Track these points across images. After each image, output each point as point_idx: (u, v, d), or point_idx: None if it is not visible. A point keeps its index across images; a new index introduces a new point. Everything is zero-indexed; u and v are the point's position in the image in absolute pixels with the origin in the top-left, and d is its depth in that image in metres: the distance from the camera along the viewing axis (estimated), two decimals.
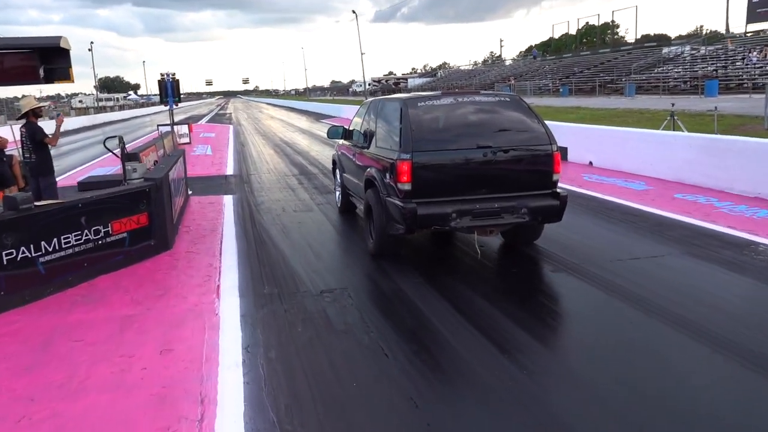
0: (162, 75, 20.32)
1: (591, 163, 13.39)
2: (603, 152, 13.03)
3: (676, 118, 14.96)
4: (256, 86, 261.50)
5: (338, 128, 8.61)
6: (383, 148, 6.43)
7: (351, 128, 8.26)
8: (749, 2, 46.46)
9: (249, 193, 11.62)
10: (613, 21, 68.01)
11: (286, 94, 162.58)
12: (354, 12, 67.47)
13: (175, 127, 20.42)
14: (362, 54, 65.50)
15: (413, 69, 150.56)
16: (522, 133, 6.03)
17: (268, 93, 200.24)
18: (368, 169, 6.72)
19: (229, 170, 15.03)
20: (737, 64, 38.84)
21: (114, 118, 57.37)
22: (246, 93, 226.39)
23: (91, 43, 65.56)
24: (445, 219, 5.74)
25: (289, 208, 9.99)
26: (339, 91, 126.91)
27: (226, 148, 21.25)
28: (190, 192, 11.34)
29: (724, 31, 48.78)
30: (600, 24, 70.82)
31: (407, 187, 5.75)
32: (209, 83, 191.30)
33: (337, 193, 9.38)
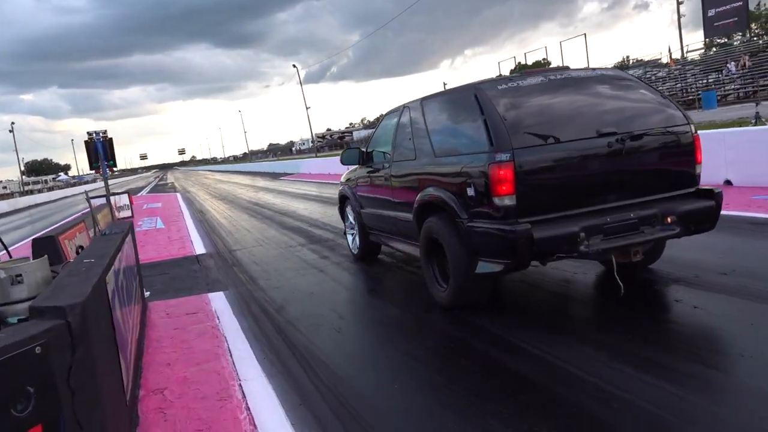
0: (90, 134, 15.55)
1: (729, 182, 9.32)
2: (752, 164, 8.94)
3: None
4: (193, 156, 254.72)
5: (353, 150, 7.08)
6: (451, 155, 4.79)
7: (369, 149, 6.76)
8: (704, 18, 45.58)
9: (249, 282, 6.92)
10: (545, 58, 66.27)
11: (226, 161, 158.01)
12: (295, 66, 64.92)
13: (112, 198, 15.50)
14: (307, 108, 62.15)
15: (351, 123, 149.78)
16: (649, 114, 4.55)
17: (206, 161, 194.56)
18: (425, 190, 5.07)
19: (198, 248, 10.25)
20: (712, 75, 37.49)
21: (40, 200, 51.29)
22: (183, 164, 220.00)
23: (12, 123, 59.54)
24: (573, 242, 4.05)
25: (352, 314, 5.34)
26: (281, 151, 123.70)
27: (182, 218, 16.35)
28: (147, 294, 6.55)
29: (678, 53, 47.51)
30: (533, 63, 69.26)
31: (509, 201, 4.10)
32: (144, 157, 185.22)
33: (350, 236, 7.63)
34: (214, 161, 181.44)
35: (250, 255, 8.79)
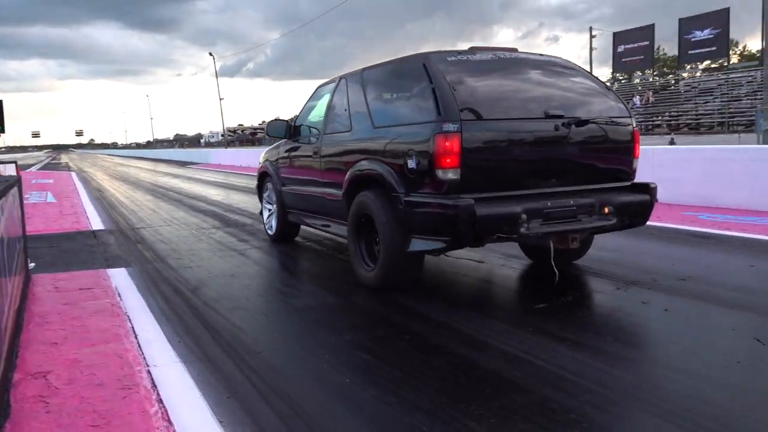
0: None
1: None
2: (679, 182, 9.05)
3: None
4: (92, 139, 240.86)
5: (281, 122, 6.54)
6: (392, 126, 4.49)
7: (298, 123, 6.31)
8: (614, 53, 48.13)
9: (156, 260, 6.05)
10: None
11: (127, 147, 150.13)
12: (211, 54, 62.44)
13: None
14: (221, 99, 59.99)
15: (264, 121, 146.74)
16: (594, 103, 4.49)
17: (105, 146, 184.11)
18: (359, 163, 4.73)
19: (96, 223, 9.12)
20: None
21: None
22: (80, 146, 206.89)
23: None
24: (514, 223, 3.93)
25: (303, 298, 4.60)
26: (189, 142, 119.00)
27: (77, 195, 14.83)
28: (32, 266, 5.58)
29: None
30: None
31: (453, 175, 3.89)
32: (36, 135, 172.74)
33: (266, 215, 7.11)
34: (114, 146, 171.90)
35: (156, 234, 7.86)
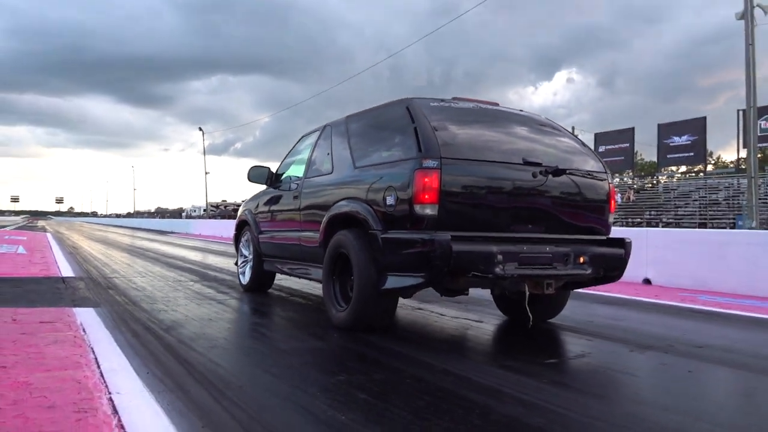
0: None
1: (648, 280, 9.16)
2: (673, 264, 8.85)
3: None
4: (71, 207, 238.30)
5: (263, 168, 6.40)
6: (372, 166, 4.52)
7: (280, 171, 6.35)
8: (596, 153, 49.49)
9: (128, 303, 5.57)
10: None
11: (108, 216, 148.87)
12: (201, 129, 63.11)
13: None
14: (207, 173, 60.18)
15: (245, 199, 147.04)
16: (570, 156, 4.53)
17: (85, 215, 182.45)
18: (337, 203, 4.70)
19: (66, 271, 8.61)
20: None
21: None
22: (59, 213, 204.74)
23: None
24: (489, 262, 3.88)
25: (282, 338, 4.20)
26: (170, 215, 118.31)
27: (49, 250, 14.24)
28: None
29: None
30: None
31: (431, 211, 3.87)
32: (15, 200, 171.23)
33: (241, 262, 6.92)
34: (94, 215, 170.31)
35: (129, 282, 7.38)
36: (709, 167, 53.93)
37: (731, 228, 28.86)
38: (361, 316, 4.32)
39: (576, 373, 3.52)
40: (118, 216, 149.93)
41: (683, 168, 49.15)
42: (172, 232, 36.30)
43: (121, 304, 5.52)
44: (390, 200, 4.11)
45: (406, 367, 3.48)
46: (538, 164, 4.23)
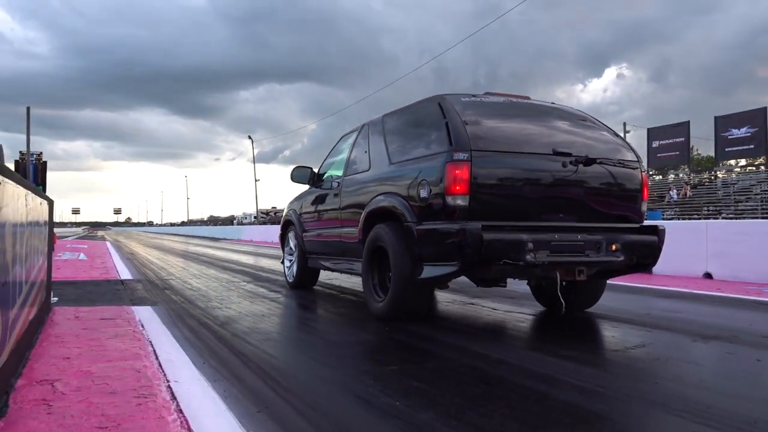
0: (22, 153, 14.21)
1: (709, 274, 8.82)
2: (736, 257, 8.49)
3: None
4: (128, 217, 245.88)
5: (305, 169, 6.62)
6: (407, 161, 4.67)
7: (321, 171, 6.56)
8: (649, 148, 48.11)
9: (184, 302, 5.70)
10: None
11: (163, 226, 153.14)
12: (250, 137, 64.35)
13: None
14: (257, 180, 61.27)
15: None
16: (601, 144, 4.57)
17: (141, 224, 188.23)
18: (375, 198, 4.86)
19: (124, 275, 8.88)
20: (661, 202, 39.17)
21: None
22: (117, 224, 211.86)
23: None
24: (520, 250, 3.93)
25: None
26: (222, 223, 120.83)
27: (108, 256, 14.74)
28: (54, 300, 5.29)
29: None
30: None
31: (462, 202, 3.98)
32: (76, 211, 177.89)
33: (287, 263, 7.16)
34: (150, 224, 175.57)
35: (184, 284, 7.55)
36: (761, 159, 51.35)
37: None
38: (399, 305, 4.45)
39: (635, 361, 3.41)
40: (172, 225, 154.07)
41: (742, 162, 47.28)
42: (224, 239, 37.09)
43: (177, 303, 5.65)
44: (423, 193, 4.25)
45: (460, 357, 3.44)
46: (568, 154, 4.27)
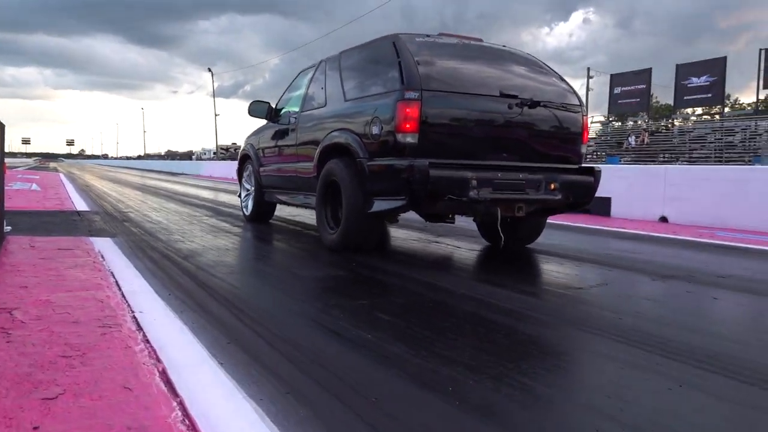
0: None
1: (665, 218, 9.06)
2: (691, 202, 8.72)
3: None
4: (82, 149, 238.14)
5: (263, 103, 6.66)
6: (361, 99, 4.83)
7: (279, 106, 6.58)
8: (610, 95, 48.45)
9: (144, 234, 5.56)
10: None
11: (118, 159, 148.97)
12: (210, 70, 62.34)
13: None
14: (216, 115, 59.81)
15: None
16: (546, 88, 4.80)
17: (96, 157, 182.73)
18: (329, 134, 5.03)
19: (80, 206, 8.62)
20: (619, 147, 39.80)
21: None
22: (70, 156, 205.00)
23: None
24: (464, 187, 4.19)
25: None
26: (180, 158, 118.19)
27: (62, 187, 14.28)
28: (8, 229, 5.11)
29: None
30: None
31: (411, 139, 4.19)
32: (26, 141, 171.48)
33: (243, 195, 7.42)
34: (105, 157, 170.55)
35: (144, 217, 7.38)
36: (726, 110, 52.63)
37: None
38: (350, 236, 4.67)
39: (597, 298, 3.49)
40: (128, 158, 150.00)
41: (699, 111, 48.06)
42: (182, 174, 36.35)
43: (138, 235, 5.52)
44: (375, 130, 4.42)
45: (426, 292, 3.46)
46: (514, 96, 4.48)
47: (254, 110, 6.61)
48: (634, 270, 4.54)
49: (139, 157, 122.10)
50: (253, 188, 7.04)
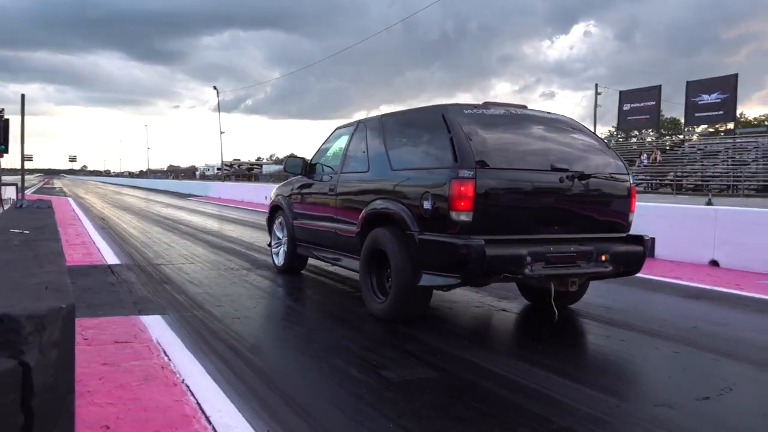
0: None
1: (716, 262, 8.69)
2: (743, 248, 8.35)
3: None
4: (84, 166, 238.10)
5: (296, 159, 6.83)
6: (410, 170, 4.83)
7: (314, 161, 6.62)
8: (620, 111, 48.24)
9: (194, 307, 5.22)
10: None
11: (120, 175, 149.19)
12: (215, 88, 62.29)
13: None
14: (221, 132, 59.73)
15: (258, 158, 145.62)
16: (595, 159, 4.86)
17: (98, 173, 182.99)
18: (375, 201, 5.04)
19: (108, 255, 8.28)
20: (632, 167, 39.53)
21: None
22: (72, 172, 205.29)
23: None
24: (519, 264, 4.21)
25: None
26: (185, 174, 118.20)
27: (78, 221, 13.97)
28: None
29: None
30: None
31: (466, 218, 4.19)
32: (29, 158, 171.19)
33: (275, 247, 7.31)
34: (107, 174, 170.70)
35: (181, 273, 7.00)
36: (730, 125, 52.08)
37: (758, 192, 28.05)
38: (398, 309, 4.69)
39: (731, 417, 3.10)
40: (131, 174, 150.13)
41: (703, 126, 47.60)
42: (190, 195, 36.06)
43: (187, 308, 5.15)
44: (427, 204, 4.42)
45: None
46: (565, 170, 4.53)
47: (289, 166, 6.78)
48: (730, 356, 4.13)
49: (141, 173, 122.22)
50: (284, 238, 7.03)
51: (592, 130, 5.40)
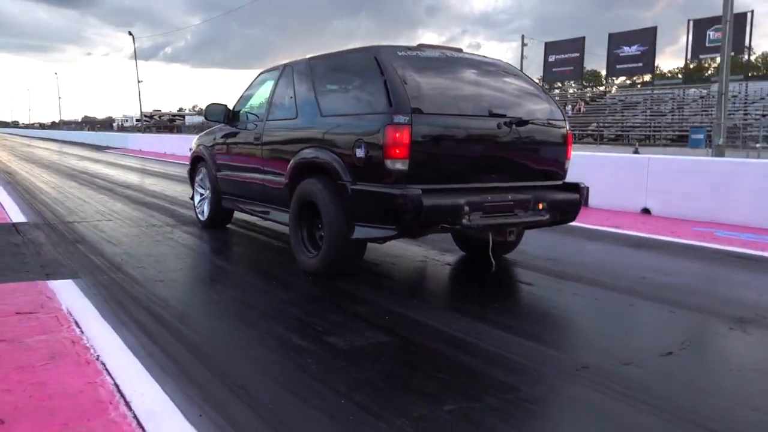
0: None
1: (647, 210, 8.82)
2: (677, 194, 8.48)
3: None
4: None
5: (219, 106, 6.27)
6: (340, 116, 4.56)
7: (237, 108, 6.19)
8: (545, 62, 48.80)
9: (112, 269, 4.69)
10: None
11: (30, 126, 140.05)
12: (131, 33, 58.61)
13: None
14: (139, 81, 56.57)
15: (181, 108, 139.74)
16: (532, 105, 4.72)
17: (5, 124, 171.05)
18: (304, 150, 4.73)
19: (13, 212, 7.51)
20: None
21: None
22: None
23: None
24: (457, 214, 4.06)
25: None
26: (100, 125, 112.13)
27: None
28: None
29: None
30: None
31: (402, 166, 3.98)
32: None
33: (198, 200, 6.93)
34: (15, 125, 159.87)
35: (97, 231, 6.38)
36: (647, 77, 53.63)
37: (674, 141, 29.17)
38: (331, 263, 4.47)
39: (687, 375, 2.97)
40: (42, 126, 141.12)
41: (622, 78, 48.87)
42: (108, 147, 34.11)
43: (104, 271, 4.62)
44: (360, 153, 4.16)
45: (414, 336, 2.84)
46: (503, 115, 4.36)
47: (211, 113, 6.31)
48: (684, 307, 4.04)
49: (54, 125, 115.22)
50: (208, 193, 6.64)
51: None
